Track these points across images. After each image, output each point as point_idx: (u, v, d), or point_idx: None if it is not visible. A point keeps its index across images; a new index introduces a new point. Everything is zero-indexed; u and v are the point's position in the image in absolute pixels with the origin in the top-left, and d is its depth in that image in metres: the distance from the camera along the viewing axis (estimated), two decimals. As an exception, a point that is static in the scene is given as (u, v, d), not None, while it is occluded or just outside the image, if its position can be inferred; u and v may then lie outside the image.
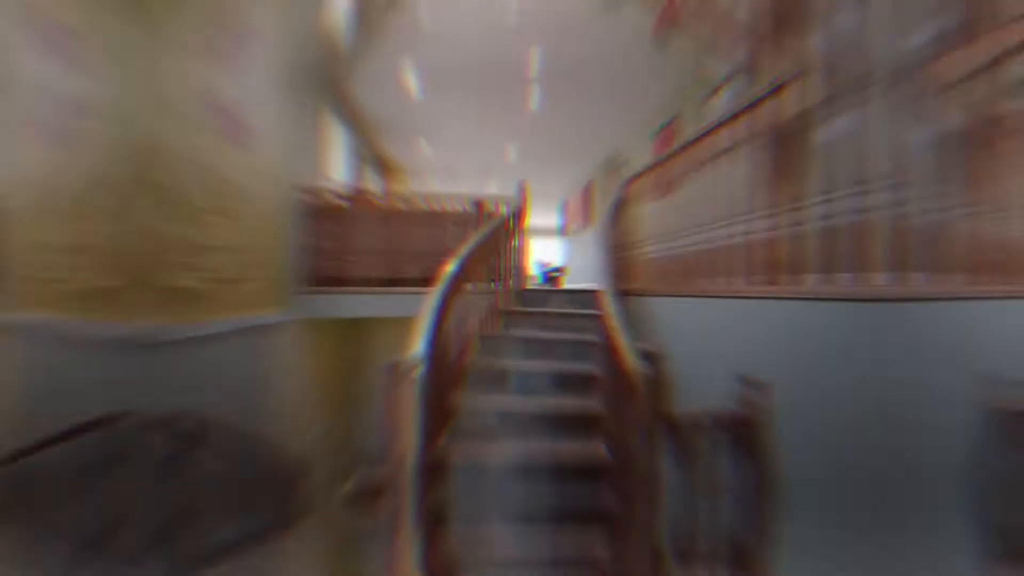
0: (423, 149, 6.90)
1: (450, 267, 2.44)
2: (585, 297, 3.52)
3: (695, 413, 1.59)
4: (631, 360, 1.68)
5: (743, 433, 1.58)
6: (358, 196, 3.62)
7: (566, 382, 2.72)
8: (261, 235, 2.79)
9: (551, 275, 8.91)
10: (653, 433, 1.46)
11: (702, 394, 1.94)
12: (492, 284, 3.51)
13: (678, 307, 2.24)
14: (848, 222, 1.31)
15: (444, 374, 2.32)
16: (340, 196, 3.59)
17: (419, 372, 1.37)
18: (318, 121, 4.09)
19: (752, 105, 1.74)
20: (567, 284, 8.93)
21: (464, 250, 2.73)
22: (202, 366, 2.19)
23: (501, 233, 3.50)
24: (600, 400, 2.44)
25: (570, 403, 2.53)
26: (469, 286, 2.93)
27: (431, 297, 2.09)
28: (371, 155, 6.77)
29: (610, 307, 2.07)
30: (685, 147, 2.24)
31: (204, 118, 2.17)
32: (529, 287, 4.20)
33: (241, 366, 2.59)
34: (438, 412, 2.21)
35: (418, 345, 1.73)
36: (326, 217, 3.52)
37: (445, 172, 8.31)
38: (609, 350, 2.12)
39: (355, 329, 5.38)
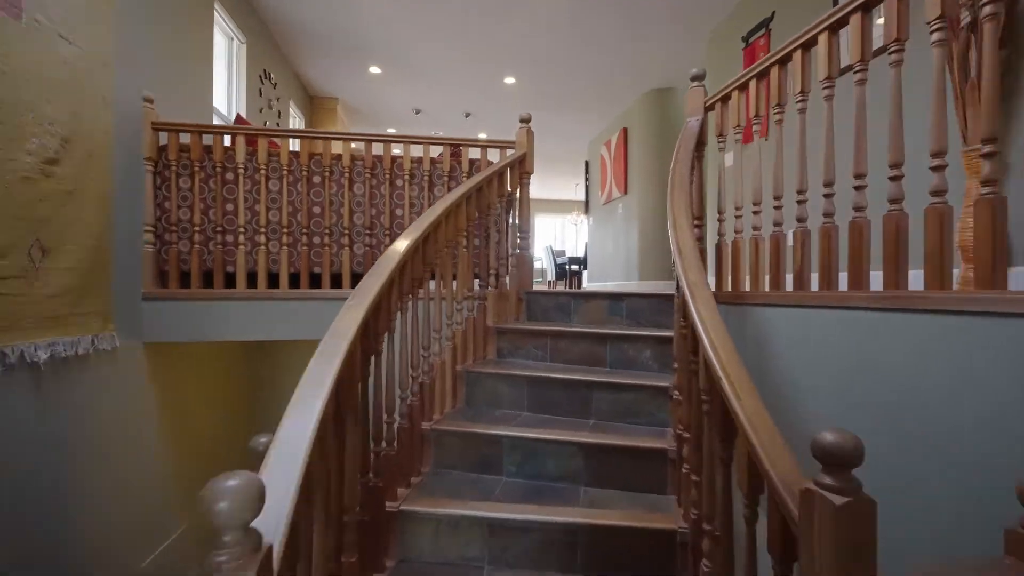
0: (372, 73, 6.29)
1: (399, 244, 1.99)
2: (635, 305, 3.11)
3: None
4: (786, 465, 1.01)
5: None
6: (251, 135, 2.95)
7: (611, 467, 2.17)
8: (61, 195, 2.29)
9: (568, 268, 8.58)
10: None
11: (910, 515, 1.30)
12: (477, 283, 3.17)
13: (814, 325, 1.68)
14: None
15: (377, 458, 1.69)
16: (220, 133, 2.93)
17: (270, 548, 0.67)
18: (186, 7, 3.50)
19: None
20: (590, 281, 8.58)
21: (424, 221, 2.26)
22: None
23: (492, 197, 2.98)
24: (691, 518, 1.77)
25: (623, 514, 1.92)
26: (432, 285, 2.64)
27: (349, 309, 1.50)
28: (290, 80, 6.14)
29: (713, 329, 1.38)
30: (805, 44, 1.86)
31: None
32: (537, 289, 3.79)
33: (19, 435, 2.16)
34: (365, 529, 1.54)
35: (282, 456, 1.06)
36: (194, 170, 2.92)
37: (409, 116, 7.76)
38: (720, 418, 1.43)
39: (256, 355, 4.73)
